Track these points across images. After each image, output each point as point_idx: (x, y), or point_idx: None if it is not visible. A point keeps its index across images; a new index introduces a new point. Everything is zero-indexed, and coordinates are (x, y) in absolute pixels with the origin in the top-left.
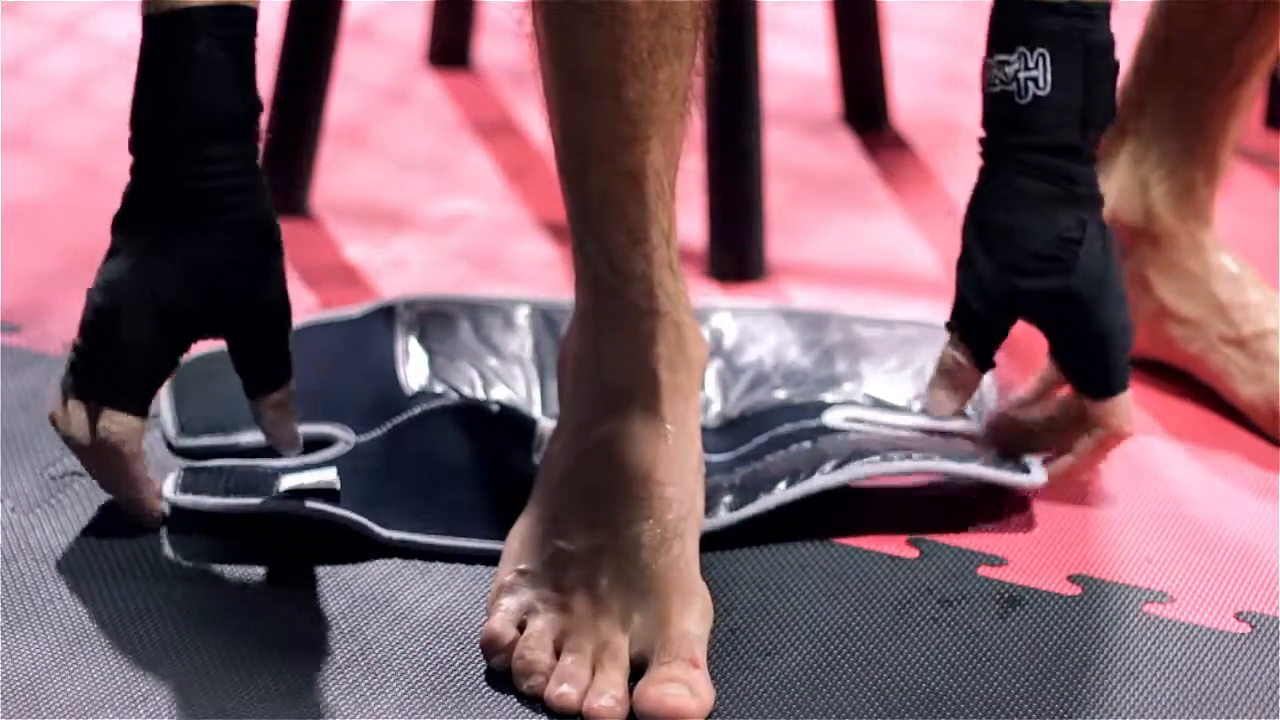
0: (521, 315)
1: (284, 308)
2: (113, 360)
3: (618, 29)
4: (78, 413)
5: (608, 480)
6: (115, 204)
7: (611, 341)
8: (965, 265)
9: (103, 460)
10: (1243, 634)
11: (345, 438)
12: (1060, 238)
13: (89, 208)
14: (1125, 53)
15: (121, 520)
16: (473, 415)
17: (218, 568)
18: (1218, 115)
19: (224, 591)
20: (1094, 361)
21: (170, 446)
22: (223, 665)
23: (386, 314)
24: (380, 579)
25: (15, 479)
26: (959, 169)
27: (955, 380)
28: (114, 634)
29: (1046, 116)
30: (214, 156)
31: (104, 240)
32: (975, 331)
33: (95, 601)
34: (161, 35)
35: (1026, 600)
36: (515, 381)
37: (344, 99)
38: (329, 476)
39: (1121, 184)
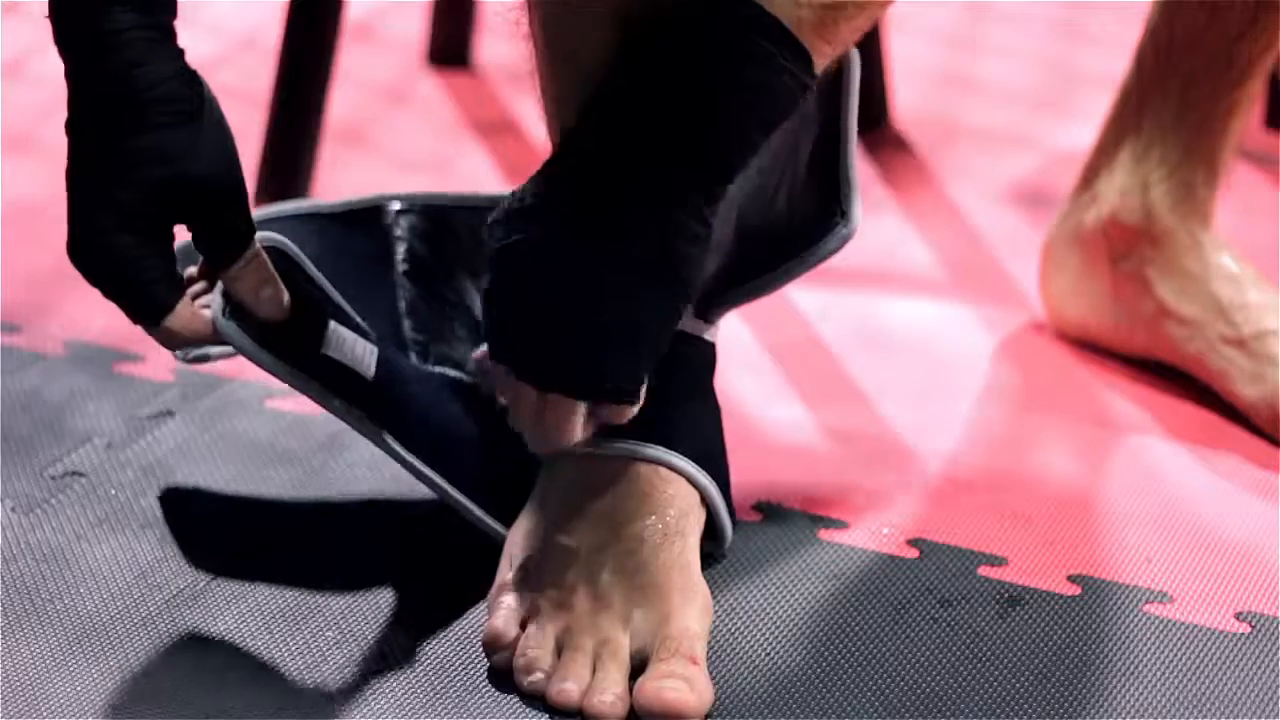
0: None
1: (219, 177)
2: (118, 282)
3: (615, 29)
4: (157, 338)
5: (609, 478)
6: None
7: None
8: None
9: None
10: (1243, 634)
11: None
12: None
13: None
14: (1126, 53)
15: (121, 520)
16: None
17: (217, 568)
18: (1218, 115)
19: (224, 591)
20: None
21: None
22: (223, 665)
23: (375, 215)
24: (380, 579)
25: (15, 479)
26: (959, 169)
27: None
28: (114, 634)
29: None
30: (116, 27)
31: None
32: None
33: (95, 601)
34: None
35: (1026, 600)
36: None
37: (344, 99)
38: (368, 361)
39: (1122, 184)
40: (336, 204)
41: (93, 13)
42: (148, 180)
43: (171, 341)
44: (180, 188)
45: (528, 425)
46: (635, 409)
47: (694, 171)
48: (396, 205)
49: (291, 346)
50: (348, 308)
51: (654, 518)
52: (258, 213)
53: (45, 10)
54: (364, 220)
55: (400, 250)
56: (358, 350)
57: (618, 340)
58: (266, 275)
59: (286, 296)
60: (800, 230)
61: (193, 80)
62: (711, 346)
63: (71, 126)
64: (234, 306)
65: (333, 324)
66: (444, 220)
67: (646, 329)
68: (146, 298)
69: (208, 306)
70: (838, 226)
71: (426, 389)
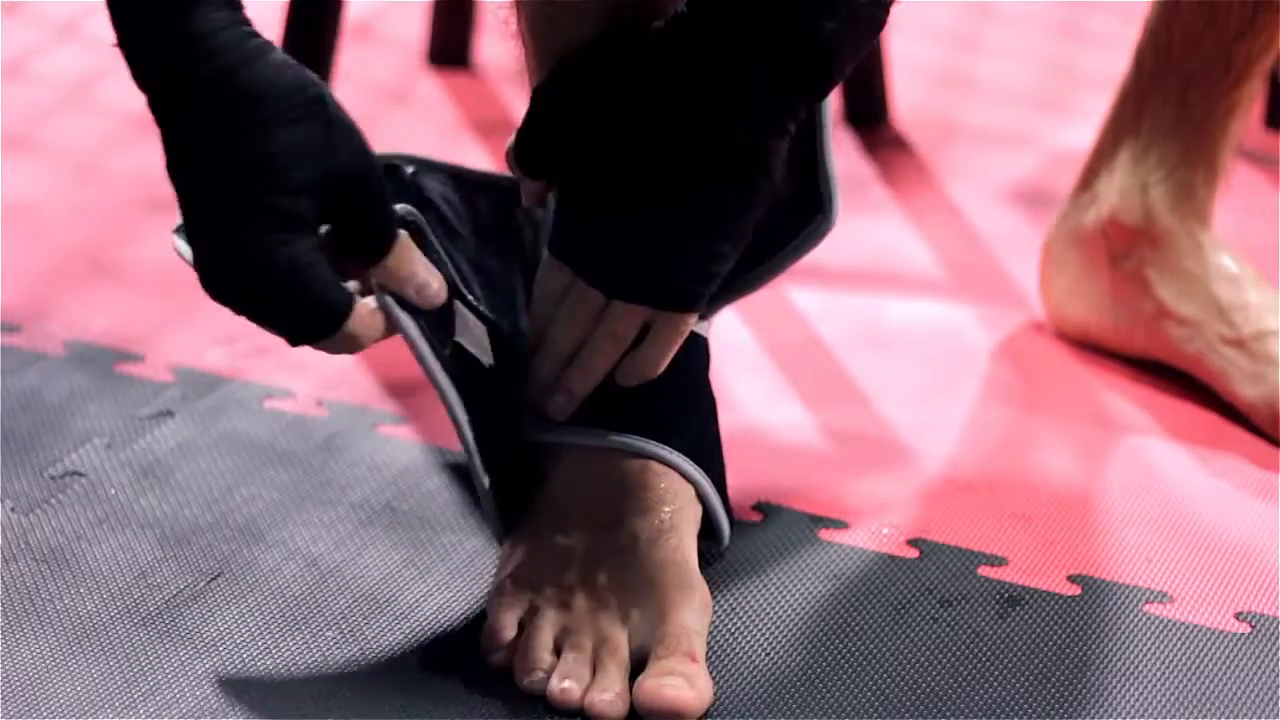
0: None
1: (364, 166)
2: (288, 297)
3: (601, 27)
4: (332, 347)
5: (603, 474)
6: (115, 204)
7: None
8: None
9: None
10: (1243, 634)
11: None
12: None
13: (89, 208)
14: (1126, 53)
15: (121, 520)
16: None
17: (217, 568)
18: (1218, 116)
19: (224, 591)
20: None
21: None
22: (222, 665)
23: (394, 173)
24: (380, 579)
25: (15, 479)
26: (959, 169)
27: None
28: (114, 634)
29: None
30: (209, 28)
31: (104, 240)
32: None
33: (95, 601)
34: None
35: (1026, 600)
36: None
37: (344, 99)
38: (485, 344)
39: (1121, 184)
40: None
41: (177, 21)
42: (301, 181)
43: (352, 345)
44: (333, 182)
45: (574, 341)
46: (693, 320)
47: (795, 94)
48: (411, 168)
49: (437, 335)
50: (467, 283)
51: (649, 514)
52: None
53: (49, 17)
54: (391, 176)
55: (433, 211)
56: (476, 333)
57: (695, 249)
58: (419, 262)
59: (442, 282)
60: (783, 225)
61: (300, 67)
62: (705, 342)
63: (181, 153)
64: (395, 298)
65: (458, 304)
66: (470, 192)
67: (729, 240)
68: (324, 306)
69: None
70: (818, 220)
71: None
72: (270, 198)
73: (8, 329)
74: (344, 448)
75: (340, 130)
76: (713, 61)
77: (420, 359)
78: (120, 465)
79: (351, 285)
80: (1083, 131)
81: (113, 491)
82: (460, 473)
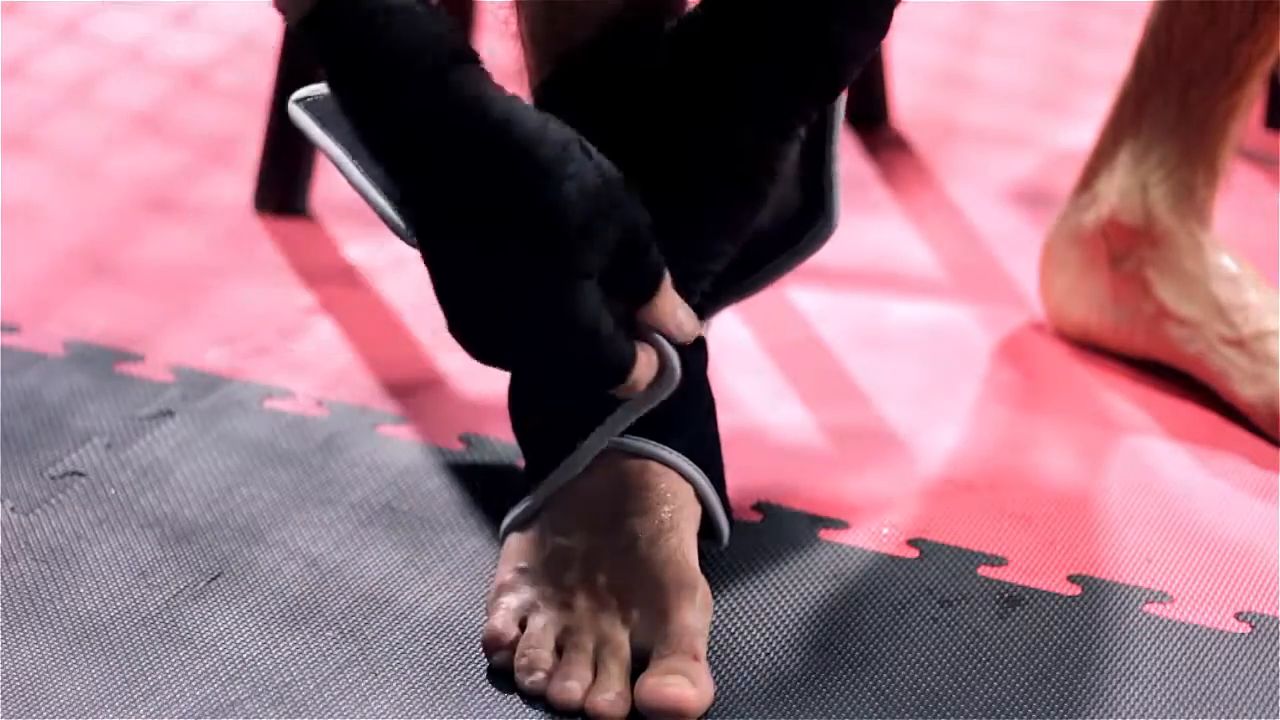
0: None
1: (638, 209)
2: (585, 348)
3: (600, 28)
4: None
5: (602, 474)
6: (115, 204)
7: None
8: None
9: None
10: (1243, 634)
11: None
12: None
13: (89, 208)
14: (1126, 53)
15: (121, 520)
16: None
17: (217, 568)
18: (1218, 116)
19: (224, 591)
20: None
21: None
22: (222, 665)
23: None
24: (380, 579)
25: (15, 479)
26: (959, 169)
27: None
28: (114, 634)
29: None
30: (476, 93)
31: (104, 240)
32: None
33: (95, 601)
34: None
35: (1026, 600)
36: None
37: None
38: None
39: (1122, 185)
40: None
41: (435, 81)
42: (590, 231)
43: (635, 388)
44: (614, 230)
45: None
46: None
47: (802, 95)
48: None
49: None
50: None
51: (649, 514)
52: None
53: (49, 17)
54: None
55: None
56: None
57: (695, 247)
58: (678, 299)
59: (695, 318)
60: (784, 229)
61: (549, 115)
62: (704, 342)
63: (455, 208)
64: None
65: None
66: None
67: (728, 239)
68: (616, 354)
69: None
70: (820, 223)
71: None
72: (568, 251)
73: (8, 329)
74: (344, 448)
75: (611, 176)
76: (719, 62)
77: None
78: (120, 465)
79: None
80: (1083, 131)
81: (113, 491)
82: (460, 473)
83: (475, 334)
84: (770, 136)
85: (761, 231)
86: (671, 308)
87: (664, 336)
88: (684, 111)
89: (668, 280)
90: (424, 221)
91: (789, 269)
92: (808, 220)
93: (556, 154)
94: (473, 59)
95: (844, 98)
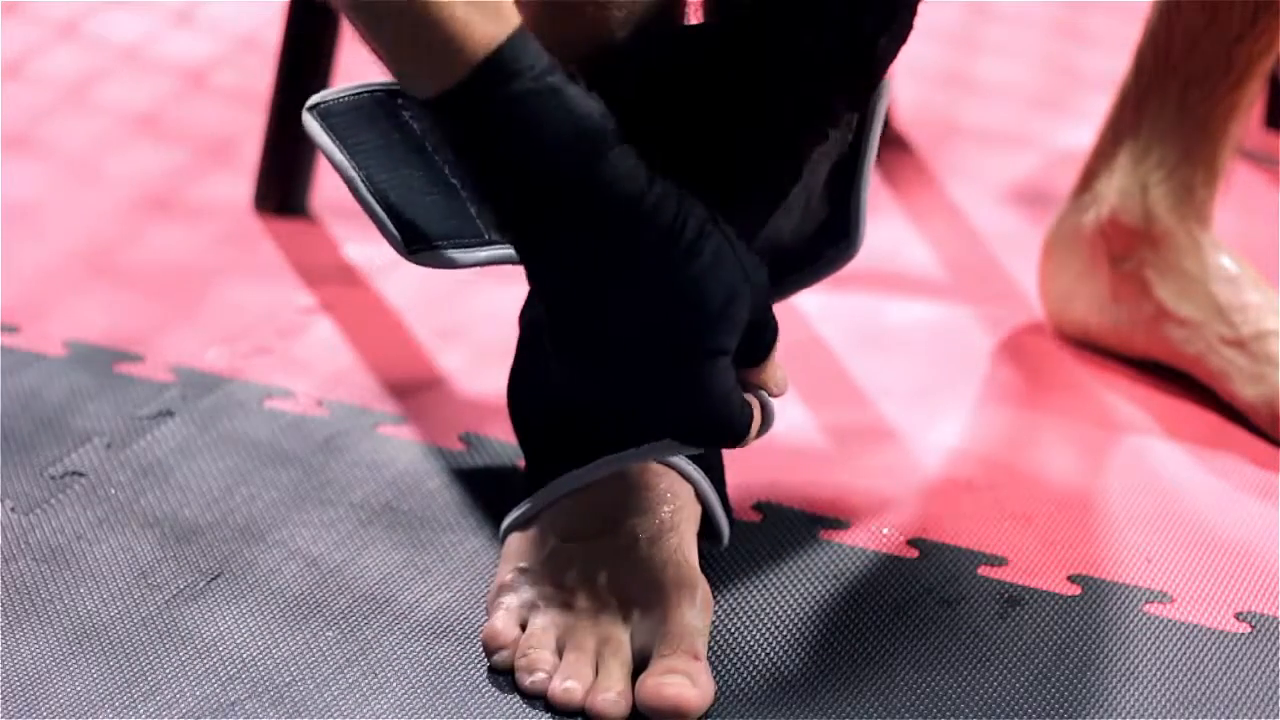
0: None
1: (761, 280)
2: (711, 419)
3: (601, 26)
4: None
5: (603, 477)
6: (115, 204)
7: None
8: None
9: None
10: (1243, 634)
11: None
12: None
13: (89, 208)
14: (1126, 53)
15: (121, 520)
16: None
17: (217, 568)
18: (1218, 117)
19: (224, 591)
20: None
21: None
22: (222, 665)
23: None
24: (380, 579)
25: (15, 479)
26: (959, 169)
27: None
28: (114, 634)
29: None
30: (618, 164)
31: (104, 240)
32: None
33: (95, 601)
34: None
35: (1026, 600)
36: None
37: None
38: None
39: (1121, 185)
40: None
41: (584, 175)
42: (724, 308)
43: (744, 444)
44: (744, 306)
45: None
46: None
47: (834, 95)
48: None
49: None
50: None
51: (649, 514)
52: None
53: (49, 17)
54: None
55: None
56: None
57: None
58: (776, 360)
59: (784, 373)
60: (805, 247)
61: (673, 185)
62: None
63: (589, 280)
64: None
65: None
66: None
67: (747, 234)
68: (741, 420)
69: None
70: (842, 245)
71: None
72: (710, 331)
73: (8, 329)
74: (344, 448)
75: (741, 252)
76: (748, 61)
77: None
78: (120, 465)
79: None
80: (1083, 131)
81: (113, 491)
82: (460, 473)
83: (602, 395)
84: (802, 137)
85: (782, 245)
86: (774, 368)
87: (771, 391)
88: (711, 111)
89: (769, 359)
90: (557, 292)
91: (805, 286)
92: (830, 239)
93: (695, 235)
94: (619, 140)
95: (879, 124)
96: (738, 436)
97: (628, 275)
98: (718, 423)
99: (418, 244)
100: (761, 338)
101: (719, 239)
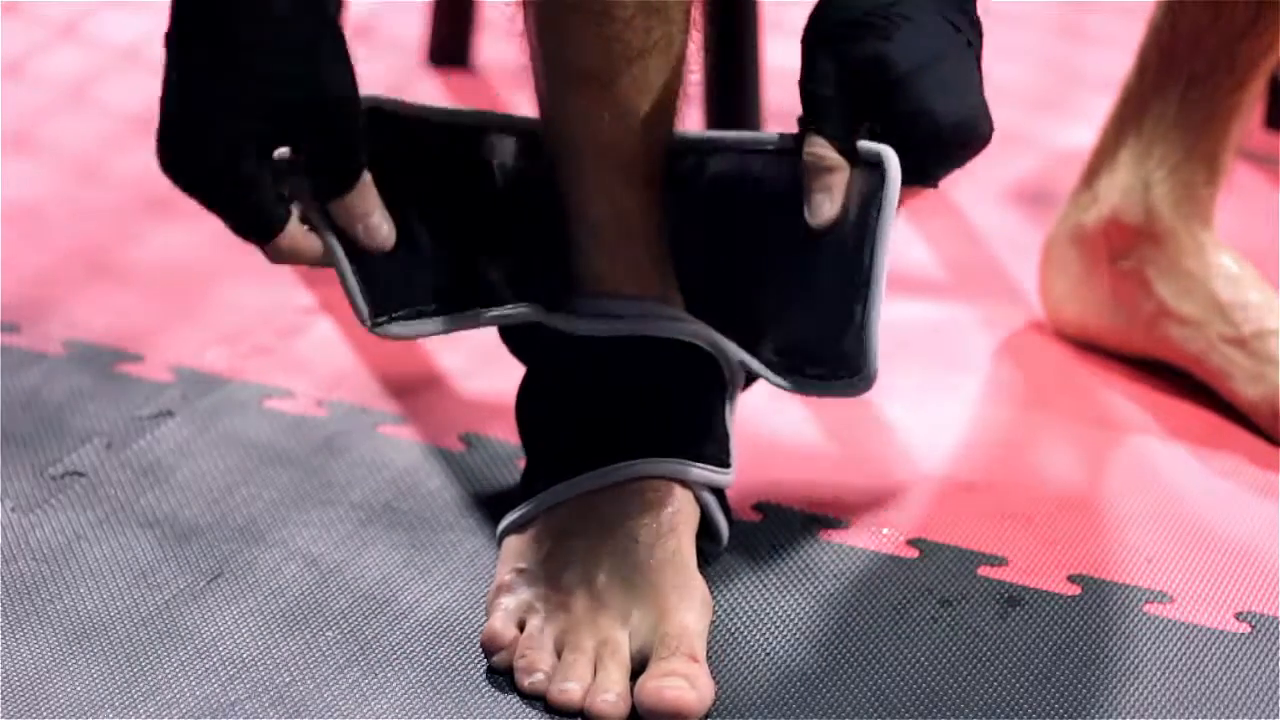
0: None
1: (348, 100)
2: (232, 201)
3: (608, 25)
4: (271, 256)
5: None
6: (115, 204)
7: None
8: (802, 52)
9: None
10: (1243, 634)
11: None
12: (876, 6)
13: (89, 208)
14: (1126, 53)
15: (121, 520)
16: None
17: (217, 568)
18: (1220, 116)
19: (224, 591)
20: (905, 141)
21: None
22: (222, 665)
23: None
24: (380, 579)
25: (15, 479)
26: (959, 169)
27: (825, 179)
28: (114, 634)
29: None
30: None
31: (104, 240)
32: (821, 116)
33: (95, 601)
34: None
35: (1026, 600)
36: None
37: None
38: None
39: (1123, 183)
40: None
41: None
42: (280, 104)
43: (279, 259)
44: (311, 113)
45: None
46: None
47: None
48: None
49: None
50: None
51: (648, 516)
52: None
53: (49, 17)
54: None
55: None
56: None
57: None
58: (373, 203)
59: (391, 227)
60: (821, 348)
61: None
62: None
63: (180, 38)
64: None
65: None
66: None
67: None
68: (261, 216)
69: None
70: (856, 379)
71: None
72: (241, 115)
73: (8, 329)
74: (344, 448)
75: (337, 56)
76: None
77: (346, 287)
78: (120, 465)
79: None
80: (1083, 131)
81: (113, 491)
82: (460, 473)
83: (161, 152)
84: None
85: (797, 336)
86: (360, 213)
87: (358, 235)
88: None
89: (365, 183)
90: (174, 63)
91: (810, 394)
92: (845, 359)
93: (291, 25)
94: None
95: (884, 268)
96: (250, 228)
97: (219, 42)
98: (231, 204)
99: (381, 316)
100: (336, 153)
101: (322, 34)
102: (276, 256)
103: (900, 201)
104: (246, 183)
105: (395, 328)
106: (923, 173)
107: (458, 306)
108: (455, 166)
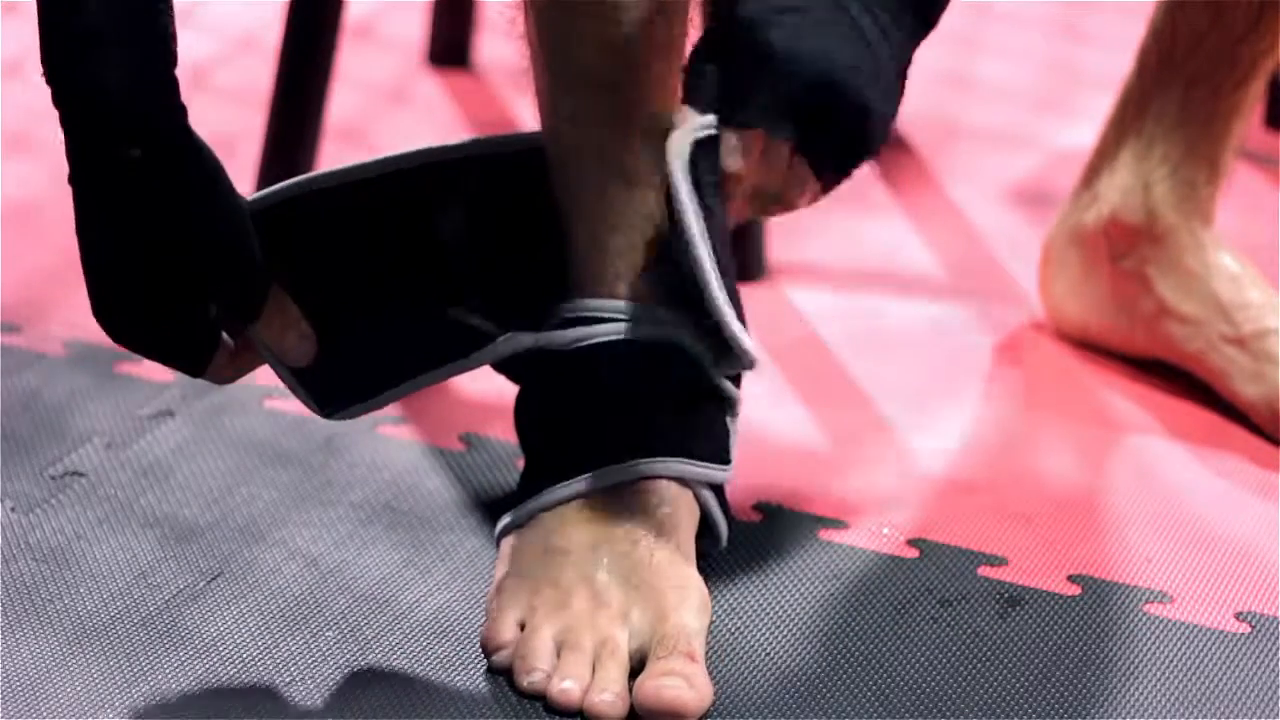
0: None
1: (245, 247)
2: (158, 350)
3: (608, 27)
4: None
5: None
6: None
7: None
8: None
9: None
10: (1243, 634)
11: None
12: None
13: None
14: (1126, 53)
15: (121, 520)
16: None
17: (217, 568)
18: (1221, 115)
19: (224, 591)
20: (750, 85)
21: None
22: (222, 665)
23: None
24: (380, 579)
25: (15, 479)
26: (959, 169)
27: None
28: (114, 634)
29: None
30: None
31: None
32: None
33: (95, 601)
34: None
35: (1026, 600)
36: None
37: (344, 99)
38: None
39: (1124, 183)
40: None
41: (168, 77)
42: (182, 262)
43: (220, 381)
44: (219, 255)
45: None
46: None
47: None
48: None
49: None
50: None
51: (646, 515)
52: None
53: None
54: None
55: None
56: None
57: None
58: (289, 319)
59: (312, 342)
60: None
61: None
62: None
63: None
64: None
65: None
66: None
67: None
68: (186, 357)
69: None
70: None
71: None
72: (161, 275)
73: (8, 329)
74: (344, 448)
75: (233, 207)
76: None
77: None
78: (120, 465)
79: None
80: (1083, 131)
81: (113, 491)
82: (460, 473)
83: (99, 314)
84: None
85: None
86: (276, 331)
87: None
88: None
89: (275, 305)
90: (102, 208)
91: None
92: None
93: (220, 173)
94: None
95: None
96: (180, 368)
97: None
98: (158, 353)
99: (328, 408)
100: (241, 290)
101: (212, 184)
102: (215, 379)
103: (814, 196)
104: (171, 333)
105: (351, 410)
106: (812, 149)
107: (430, 365)
108: (390, 221)
